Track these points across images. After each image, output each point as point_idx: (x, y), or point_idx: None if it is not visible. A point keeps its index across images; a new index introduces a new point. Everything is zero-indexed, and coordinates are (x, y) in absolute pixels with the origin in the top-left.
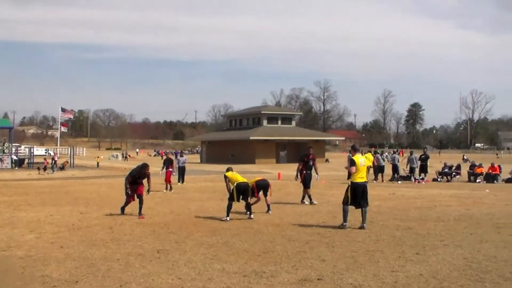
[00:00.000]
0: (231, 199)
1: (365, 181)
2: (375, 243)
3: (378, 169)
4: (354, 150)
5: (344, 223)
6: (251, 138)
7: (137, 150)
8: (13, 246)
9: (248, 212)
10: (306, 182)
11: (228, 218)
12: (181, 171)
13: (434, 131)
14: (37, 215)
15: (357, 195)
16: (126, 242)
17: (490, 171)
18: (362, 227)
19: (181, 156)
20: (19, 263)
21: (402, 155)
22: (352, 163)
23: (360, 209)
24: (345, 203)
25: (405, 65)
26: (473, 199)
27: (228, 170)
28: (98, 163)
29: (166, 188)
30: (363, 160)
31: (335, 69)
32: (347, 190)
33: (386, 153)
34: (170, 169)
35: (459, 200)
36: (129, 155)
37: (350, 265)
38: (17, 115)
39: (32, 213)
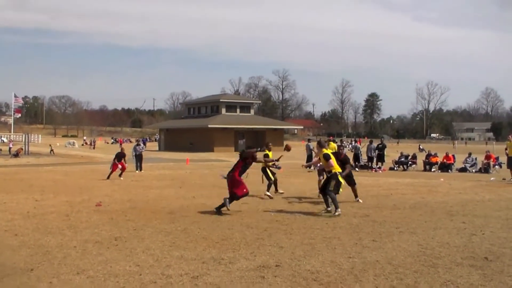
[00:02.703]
0: (336, 189)
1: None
2: (333, 230)
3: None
4: (320, 146)
5: (337, 209)
6: (209, 126)
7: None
8: None
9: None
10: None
11: (339, 210)
12: (138, 159)
13: (391, 121)
14: None
15: (338, 183)
16: (83, 230)
17: (445, 160)
18: (328, 211)
19: (138, 145)
20: None
21: (360, 144)
22: (326, 157)
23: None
24: (334, 192)
25: (363, 56)
26: (428, 188)
27: (322, 145)
28: (52, 150)
29: (109, 177)
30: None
31: (293, 59)
32: (331, 180)
33: (345, 142)
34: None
35: (415, 189)
36: (86, 142)
37: (308, 251)
38: None
39: None
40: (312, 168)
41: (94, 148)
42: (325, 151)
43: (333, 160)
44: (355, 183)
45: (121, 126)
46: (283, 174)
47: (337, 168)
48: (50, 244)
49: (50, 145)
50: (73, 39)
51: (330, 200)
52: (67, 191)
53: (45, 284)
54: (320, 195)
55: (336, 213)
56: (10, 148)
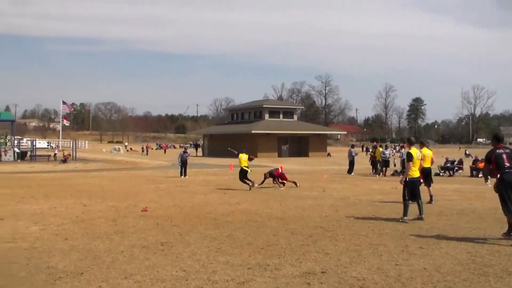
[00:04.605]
0: (412, 197)
1: (419, 176)
2: (379, 237)
3: (383, 163)
4: (410, 143)
5: (404, 217)
6: (253, 131)
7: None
8: (18, 238)
9: None
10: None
11: (406, 218)
12: (184, 165)
13: (436, 126)
14: (40, 208)
15: (414, 190)
16: (130, 235)
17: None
18: (420, 218)
19: (185, 152)
20: (24, 254)
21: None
22: (409, 157)
23: (416, 202)
24: (404, 199)
25: (407, 60)
26: (475, 194)
27: (410, 142)
28: (130, 149)
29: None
30: (419, 153)
31: (336, 64)
32: (405, 187)
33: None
34: None
35: (462, 195)
36: (131, 148)
37: (354, 258)
38: (19, 108)
39: (35, 206)
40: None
41: (147, 154)
42: (410, 150)
43: (413, 164)
44: None
45: (165, 132)
46: (326, 180)
47: (414, 173)
48: (98, 249)
49: (125, 145)
50: (117, 46)
51: (422, 206)
52: (114, 197)
53: (95, 287)
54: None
55: (400, 220)
56: (55, 154)
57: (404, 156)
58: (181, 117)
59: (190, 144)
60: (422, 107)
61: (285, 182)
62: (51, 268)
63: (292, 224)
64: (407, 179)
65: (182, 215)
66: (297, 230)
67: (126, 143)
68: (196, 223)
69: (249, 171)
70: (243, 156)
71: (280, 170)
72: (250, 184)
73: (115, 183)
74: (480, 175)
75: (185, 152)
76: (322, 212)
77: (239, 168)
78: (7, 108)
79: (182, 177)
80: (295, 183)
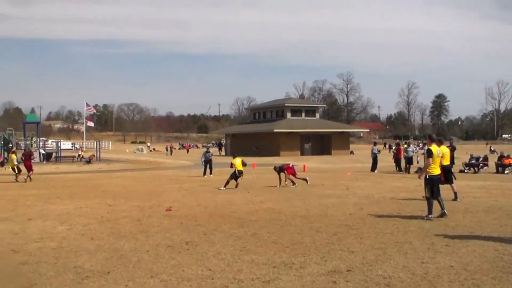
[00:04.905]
0: (432, 194)
1: (440, 173)
2: (404, 235)
3: (406, 160)
4: (431, 139)
5: (430, 215)
6: (275, 130)
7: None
8: (46, 238)
9: None
10: None
11: (431, 216)
12: (208, 164)
13: (460, 122)
14: (66, 208)
15: (434, 187)
16: (154, 234)
17: None
18: (444, 214)
19: (208, 152)
20: (52, 254)
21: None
22: (429, 153)
23: (436, 200)
24: (428, 198)
25: (429, 56)
26: (501, 190)
27: (431, 139)
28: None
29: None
30: (439, 150)
31: (358, 61)
32: (426, 185)
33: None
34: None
35: (488, 192)
36: (154, 148)
37: (379, 256)
38: (44, 110)
39: (61, 206)
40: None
41: (171, 154)
42: (431, 147)
43: (433, 161)
44: None
45: (188, 132)
46: (350, 178)
47: (434, 170)
48: (124, 248)
49: (148, 146)
50: (138, 48)
51: (442, 202)
52: (138, 196)
53: (121, 286)
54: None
55: (425, 218)
56: (79, 155)
57: None
58: (203, 117)
59: (213, 144)
60: (445, 104)
61: (294, 181)
62: (78, 268)
63: (316, 222)
64: (427, 177)
65: (206, 214)
66: (322, 228)
67: (149, 143)
68: (220, 222)
69: (240, 177)
70: (237, 161)
71: (290, 165)
72: (223, 187)
73: (139, 183)
74: (506, 172)
75: (207, 151)
76: (346, 210)
77: (234, 170)
78: (32, 111)
79: (205, 176)
80: (305, 180)
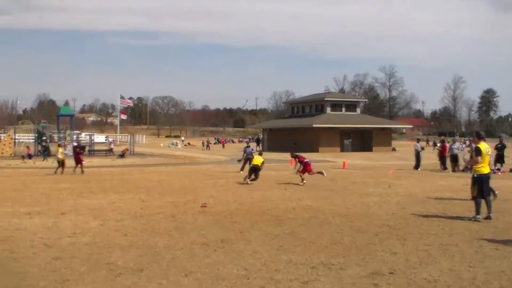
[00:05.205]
0: (481, 194)
1: (489, 171)
2: (450, 237)
3: (451, 158)
4: (478, 137)
5: (477, 216)
6: (314, 125)
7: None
8: (78, 233)
9: None
10: None
11: (479, 217)
12: (249, 161)
13: (510, 119)
14: (99, 203)
15: (483, 186)
16: (189, 231)
17: None
18: (488, 217)
19: (248, 146)
20: (85, 249)
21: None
22: (477, 152)
23: (484, 200)
24: (475, 197)
25: (477, 49)
26: None
27: (478, 137)
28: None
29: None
30: (488, 148)
31: (401, 54)
32: (474, 184)
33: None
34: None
35: None
36: (189, 143)
37: (424, 259)
38: (77, 103)
39: (94, 200)
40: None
41: (208, 148)
42: (479, 144)
43: (482, 159)
44: None
45: (223, 126)
46: (392, 176)
47: (483, 169)
48: (158, 245)
49: (182, 140)
50: (174, 39)
51: (490, 204)
52: (172, 192)
53: (155, 284)
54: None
55: (473, 219)
56: (112, 148)
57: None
58: (239, 111)
59: (249, 139)
60: (495, 99)
61: (303, 178)
62: (111, 264)
63: (356, 221)
64: (475, 175)
65: (242, 212)
66: (362, 228)
67: (183, 138)
68: (257, 220)
69: (256, 172)
70: (258, 158)
71: (305, 159)
72: (248, 180)
73: (173, 178)
74: None
75: (248, 146)
76: (388, 209)
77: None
78: (66, 103)
79: (242, 172)
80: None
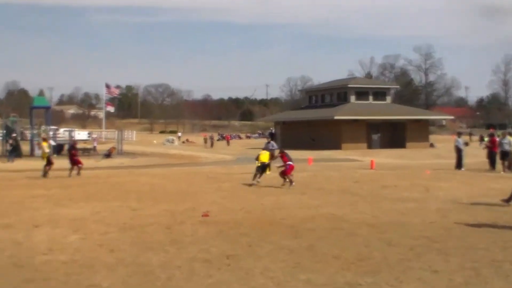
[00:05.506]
0: None
1: None
2: (503, 251)
3: (501, 155)
4: None
5: None
6: (336, 117)
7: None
8: (55, 249)
9: None
10: None
11: None
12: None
13: None
14: (81, 212)
15: None
16: (188, 245)
17: None
18: None
19: (268, 143)
20: (63, 269)
21: None
22: None
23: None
24: None
25: None
26: None
27: None
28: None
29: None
30: None
31: (440, 31)
32: None
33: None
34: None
35: None
36: (187, 140)
37: (471, 278)
38: (55, 93)
39: (75, 210)
40: None
41: (212, 146)
42: None
43: None
44: None
45: (229, 120)
46: (430, 177)
47: None
48: (151, 263)
49: (179, 136)
50: (169, 16)
51: None
52: (168, 198)
53: None
54: None
55: None
56: (95, 146)
57: None
58: (247, 101)
59: (259, 134)
60: None
61: (291, 180)
62: (94, 286)
63: (388, 232)
64: None
65: (251, 221)
66: (395, 241)
67: (180, 133)
68: (268, 231)
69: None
70: (264, 153)
71: (289, 162)
72: (258, 179)
73: (169, 181)
74: None
75: (268, 142)
76: (426, 217)
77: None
78: (41, 93)
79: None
80: (291, 181)
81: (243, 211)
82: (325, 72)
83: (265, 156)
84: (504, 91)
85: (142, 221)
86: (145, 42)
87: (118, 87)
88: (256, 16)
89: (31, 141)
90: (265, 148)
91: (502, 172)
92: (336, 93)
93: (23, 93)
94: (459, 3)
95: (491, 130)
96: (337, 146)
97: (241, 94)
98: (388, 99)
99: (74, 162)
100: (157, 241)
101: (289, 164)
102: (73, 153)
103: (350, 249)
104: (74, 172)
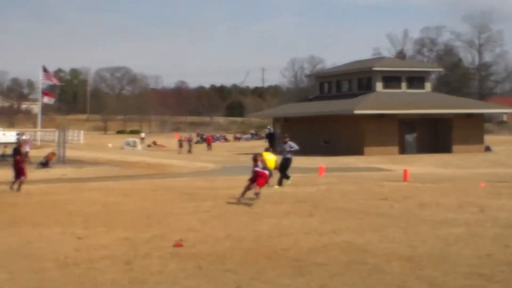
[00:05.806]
0: None
1: None
2: None
3: None
4: None
5: None
6: (356, 112)
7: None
8: None
9: None
10: None
11: None
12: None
13: None
14: (7, 242)
15: None
16: (154, 287)
17: None
18: None
19: (285, 143)
20: None
21: None
22: None
23: None
24: None
25: None
26: None
27: None
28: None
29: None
30: None
31: None
32: None
33: None
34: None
35: None
36: (154, 142)
37: None
38: None
39: None
40: None
41: (190, 151)
42: None
43: None
44: None
45: (211, 115)
46: (485, 192)
47: None
48: None
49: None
50: None
51: None
52: (127, 223)
53: None
54: None
55: None
56: (27, 152)
57: None
58: (236, 90)
59: (252, 134)
60: None
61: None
62: None
63: (428, 269)
64: None
65: (240, 253)
66: (439, 280)
67: (143, 134)
68: (264, 266)
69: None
70: (270, 156)
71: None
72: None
73: (129, 200)
74: None
75: (284, 142)
76: (480, 248)
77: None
78: None
79: (276, 186)
80: (257, 194)
81: (230, 239)
82: (341, 51)
83: (271, 162)
84: None
85: (91, 254)
86: (97, 11)
87: (59, 71)
88: None
89: None
90: (281, 150)
91: None
92: (357, 79)
93: None
94: None
95: None
96: (358, 151)
97: (227, 81)
98: (428, 86)
99: (19, 172)
100: (111, 281)
101: (265, 174)
102: (18, 159)
103: None
104: (15, 186)
